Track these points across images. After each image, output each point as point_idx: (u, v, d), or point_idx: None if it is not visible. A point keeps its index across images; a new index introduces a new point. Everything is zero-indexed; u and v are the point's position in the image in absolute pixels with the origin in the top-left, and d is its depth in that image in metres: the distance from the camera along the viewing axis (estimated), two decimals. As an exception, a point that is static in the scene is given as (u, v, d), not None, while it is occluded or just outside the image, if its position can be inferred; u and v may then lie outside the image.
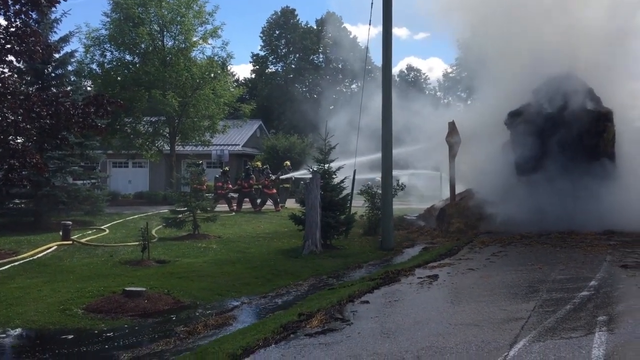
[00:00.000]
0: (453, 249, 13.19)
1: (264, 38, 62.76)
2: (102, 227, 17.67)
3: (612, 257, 11.17)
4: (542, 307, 7.36)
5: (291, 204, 24.04)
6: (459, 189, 18.84)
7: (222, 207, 23.16)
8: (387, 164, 14.97)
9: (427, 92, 62.87)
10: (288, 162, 27.15)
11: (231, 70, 55.38)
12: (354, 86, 58.21)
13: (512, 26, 19.94)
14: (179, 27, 27.41)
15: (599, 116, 16.25)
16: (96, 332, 7.44)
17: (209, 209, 16.99)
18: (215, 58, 28.70)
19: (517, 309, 7.32)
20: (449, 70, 64.20)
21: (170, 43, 28.08)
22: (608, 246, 12.70)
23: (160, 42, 27.81)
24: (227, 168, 27.40)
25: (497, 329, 6.44)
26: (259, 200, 24.26)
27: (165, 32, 27.76)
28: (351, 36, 62.58)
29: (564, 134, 15.82)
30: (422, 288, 8.94)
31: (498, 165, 18.00)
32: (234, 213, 22.79)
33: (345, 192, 15.73)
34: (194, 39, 28.21)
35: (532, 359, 5.38)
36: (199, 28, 28.33)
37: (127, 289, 8.82)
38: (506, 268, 10.59)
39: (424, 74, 69.36)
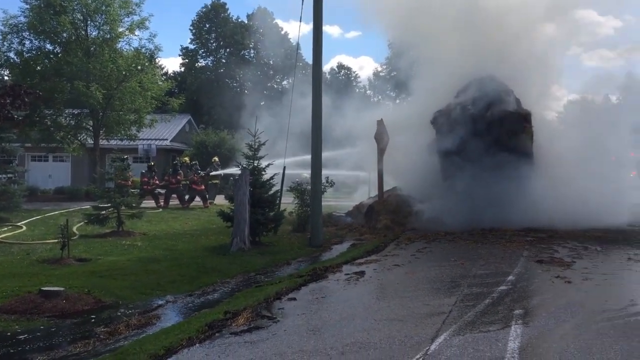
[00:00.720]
0: (380, 246, 13.41)
1: (193, 31, 61.61)
2: (19, 223, 16.81)
3: (528, 253, 11.72)
4: (463, 301, 7.61)
5: (220, 200, 23.75)
6: (388, 187, 19.19)
7: (149, 203, 22.58)
8: (316, 161, 15.02)
9: (357, 90, 63.70)
10: (216, 158, 26.80)
11: (159, 63, 53.97)
12: (285, 82, 58.11)
13: (440, 28, 20.55)
14: (103, 16, 26.38)
15: (518, 117, 16.96)
16: (9, 334, 7.06)
17: (134, 205, 16.49)
18: (143, 50, 27.88)
19: (440, 304, 7.52)
20: (380, 69, 65.26)
21: (94, 33, 27.03)
22: (525, 242, 13.31)
23: (83, 32, 26.72)
24: (152, 163, 26.72)
25: (420, 324, 6.59)
26: (187, 197, 23.82)
27: (89, 22, 26.68)
28: (282, 32, 62.50)
29: (486, 133, 16.40)
30: (349, 284, 9.03)
31: (424, 163, 18.48)
32: (161, 209, 22.26)
33: (274, 189, 15.67)
34: (120, 29, 27.28)
35: (451, 353, 5.54)
36: (125, 19, 27.41)
37: (44, 288, 8.40)
38: (430, 264, 10.89)
39: (354, 72, 70.13)
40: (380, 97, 61.03)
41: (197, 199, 23.88)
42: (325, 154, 16.20)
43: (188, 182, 23.74)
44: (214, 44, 61.87)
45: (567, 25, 21.14)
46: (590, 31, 20.28)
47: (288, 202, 18.19)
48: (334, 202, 23.76)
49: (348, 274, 9.82)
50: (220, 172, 25.69)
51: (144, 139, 33.42)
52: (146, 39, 31.03)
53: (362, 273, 9.90)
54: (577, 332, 6.20)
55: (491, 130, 16.46)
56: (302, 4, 15.77)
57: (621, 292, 8.18)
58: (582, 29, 20.27)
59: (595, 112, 19.33)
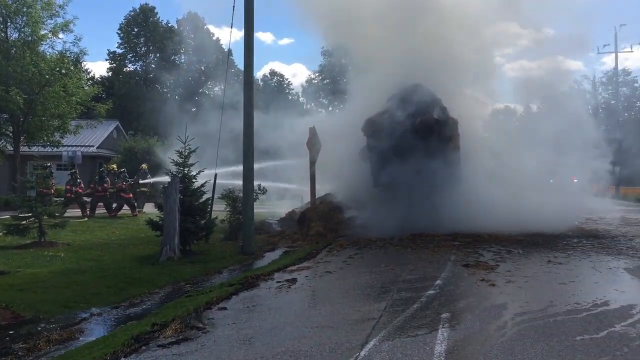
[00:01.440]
0: (312, 252, 13.45)
1: (121, 35, 60.06)
2: None
3: (455, 257, 12.05)
4: (392, 306, 7.73)
5: (150, 208, 23.17)
6: (321, 194, 19.28)
7: (74, 212, 21.73)
8: (248, 167, 14.91)
9: (290, 97, 63.87)
10: (145, 165, 26.13)
11: (85, 67, 52.19)
12: (217, 88, 57.48)
13: (372, 37, 20.94)
14: (24, 18, 25.27)
15: (445, 125, 17.46)
16: None
17: (57, 214, 15.83)
18: (67, 54, 26.83)
19: (370, 310, 7.61)
20: (313, 76, 65.75)
21: (14, 35, 25.84)
22: (453, 247, 13.69)
23: (3, 34, 25.49)
24: (74, 170, 25.69)
25: (351, 330, 6.64)
26: (114, 205, 23.09)
27: (8, 23, 25.49)
28: (214, 38, 61.89)
29: (414, 141, 16.78)
30: (280, 292, 9.00)
31: (356, 170, 18.72)
32: (86, 219, 21.47)
33: (205, 197, 15.43)
34: (43, 32, 26.18)
35: (381, 358, 5.61)
36: (48, 21, 26.33)
37: (-43, 304, 7.93)
38: (361, 270, 11.00)
39: (286, 79, 70.33)
40: (313, 104, 61.43)
41: (125, 207, 23.21)
42: (259, 165, 16.13)
43: (115, 190, 23.03)
44: (143, 49, 60.53)
45: (492, 37, 22.03)
46: (512, 43, 21.37)
47: (220, 210, 17.96)
48: (266, 210, 23.64)
49: (280, 282, 9.79)
50: (150, 180, 25.06)
51: (68, 146, 32.19)
52: (71, 42, 29.86)
53: (293, 280, 9.89)
54: (500, 333, 6.42)
55: (419, 138, 16.85)
56: (233, 10, 15.66)
57: (541, 293, 8.52)
58: (505, 40, 21.03)
59: (518, 120, 20.23)
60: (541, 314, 7.24)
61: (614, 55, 50.86)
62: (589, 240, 15.05)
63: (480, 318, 7.06)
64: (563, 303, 7.79)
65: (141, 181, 24.48)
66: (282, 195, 25.14)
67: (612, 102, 55.06)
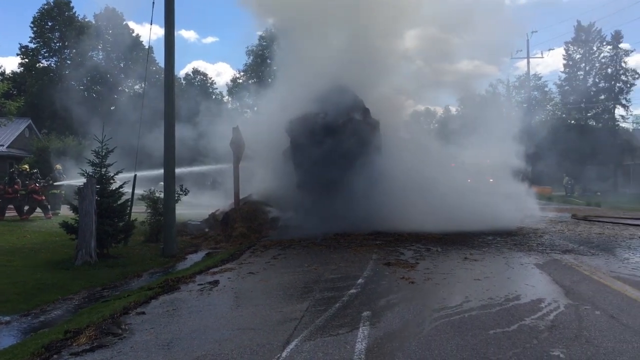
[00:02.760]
0: (235, 254, 13.32)
1: (34, 29, 57.17)
2: None
3: (377, 256, 12.27)
4: (314, 306, 7.76)
5: (66, 211, 22.19)
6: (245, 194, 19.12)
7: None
8: (169, 168, 14.58)
9: (214, 96, 62.99)
10: (59, 166, 25.01)
11: (-6, 62, 49.44)
12: (137, 87, 55.83)
13: (297, 38, 21.00)
14: None
15: (368, 126, 17.76)
16: None
17: (-38, 218, 14.89)
18: (-27, 47, 25.27)
19: (292, 310, 7.60)
20: (238, 75, 65.11)
21: None
22: (375, 246, 13.94)
23: None
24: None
25: (272, 331, 6.61)
26: (26, 207, 21.95)
27: None
28: (134, 34, 60.08)
29: (337, 141, 16.97)
30: (202, 295, 8.84)
31: (280, 170, 18.71)
32: (-5, 222, 20.30)
33: (124, 198, 14.94)
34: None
35: (302, 358, 5.62)
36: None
37: None
38: (284, 270, 10.99)
39: (210, 78, 69.29)
40: (238, 104, 60.86)
41: (38, 209, 22.12)
42: (182, 170, 15.77)
43: (27, 191, 21.89)
44: (58, 44, 57.87)
45: (414, 41, 22.61)
46: (433, 47, 22.09)
47: (141, 212, 17.47)
48: (189, 211, 23.19)
49: (201, 284, 9.62)
50: (65, 181, 24.00)
51: (-25, 145, 30.32)
52: (-23, 35, 28.16)
53: (216, 282, 9.75)
54: (419, 329, 6.58)
55: (342, 138, 17.06)
56: (153, 6, 15.27)
57: (458, 290, 8.81)
58: (427, 44, 21.64)
59: (438, 122, 20.85)
60: (457, 309, 7.49)
61: (526, 60, 53.57)
62: (502, 237, 15.73)
63: (400, 315, 7.22)
64: (478, 298, 8.09)
65: (56, 183, 23.40)
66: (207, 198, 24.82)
67: (525, 105, 57.81)
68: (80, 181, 18.04)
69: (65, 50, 57.85)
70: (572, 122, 59.12)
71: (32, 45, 57.44)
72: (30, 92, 50.20)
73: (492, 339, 6.16)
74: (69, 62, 57.33)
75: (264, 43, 55.55)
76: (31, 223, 20.39)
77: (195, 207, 23.61)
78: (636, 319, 6.93)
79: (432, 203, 17.09)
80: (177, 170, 15.16)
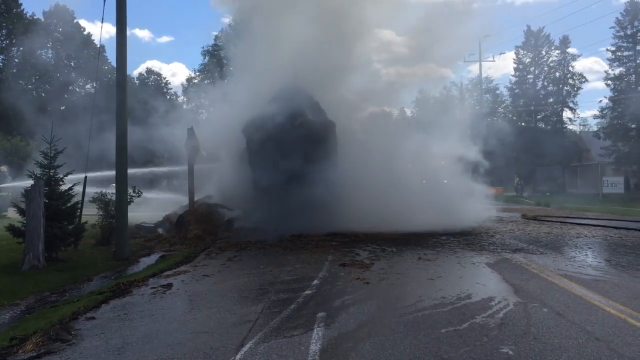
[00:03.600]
0: (190, 256, 13.17)
1: (-21, 25, 55.11)
2: None
3: (333, 257, 12.32)
4: (269, 308, 7.73)
5: (12, 213, 21.44)
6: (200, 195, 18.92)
7: None
8: (121, 169, 14.27)
9: (168, 97, 62.06)
10: (4, 167, 24.21)
11: (-64, 59, 47.57)
12: (88, 86, 54.51)
13: (255, 37, 20.91)
14: None
15: (323, 127, 17.82)
16: None
17: None
18: None
19: (247, 312, 7.56)
20: (193, 75, 64.29)
21: None
22: (331, 247, 14.00)
23: None
24: None
25: (226, 334, 6.56)
26: (-30, 211, 21.16)
27: None
28: (85, 33, 58.60)
29: (293, 143, 16.97)
30: (154, 298, 8.69)
31: (237, 172, 18.58)
32: (-64, 226, 19.45)
33: (74, 200, 14.55)
34: None
35: (256, 361, 5.60)
36: None
37: None
38: (240, 272, 10.92)
39: (164, 78, 68.19)
40: (193, 104, 60.08)
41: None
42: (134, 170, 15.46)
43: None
44: (5, 42, 55.92)
45: (370, 43, 22.79)
46: (389, 49, 22.36)
47: (92, 214, 17.04)
48: (142, 213, 22.77)
49: (154, 288, 9.47)
50: (10, 183, 23.24)
51: None
52: None
53: (169, 286, 9.61)
54: (373, 329, 6.64)
55: (297, 140, 17.06)
56: (104, 3, 14.93)
57: (411, 289, 8.92)
58: (382, 47, 21.88)
59: (393, 123, 21.12)
60: (411, 309, 7.59)
61: (478, 64, 54.75)
62: (455, 237, 16.02)
63: (354, 316, 7.26)
64: (431, 298, 8.21)
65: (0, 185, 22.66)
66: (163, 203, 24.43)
67: (477, 107, 59.06)
68: (28, 183, 17.52)
69: (13, 48, 55.96)
70: (522, 124, 60.69)
71: (-23, 43, 55.43)
72: (-25, 90, 48.35)
73: (444, 338, 6.26)
74: (16, 60, 55.48)
75: (220, 43, 55.08)
76: (-24, 226, 19.63)
77: (149, 209, 23.22)
78: (582, 316, 7.17)
79: (388, 204, 17.28)
80: (130, 171, 14.87)
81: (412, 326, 6.74)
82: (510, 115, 64.07)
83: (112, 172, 14.62)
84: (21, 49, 54.50)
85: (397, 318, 7.13)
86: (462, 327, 6.69)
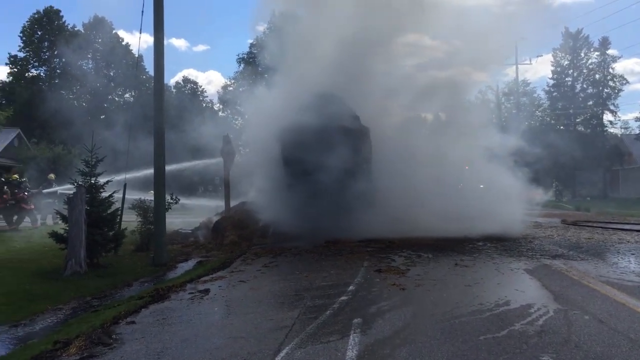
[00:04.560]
0: (226, 262, 13.29)
1: (24, 39, 56.99)
2: None
3: (369, 263, 12.28)
4: (305, 314, 7.76)
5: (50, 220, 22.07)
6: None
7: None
8: (159, 176, 14.53)
9: (204, 104, 62.94)
10: (52, 175, 24.91)
11: (-17, 71, 49.28)
12: (127, 95, 55.73)
13: (290, 44, 21.06)
14: None
15: (357, 133, 17.79)
16: None
17: (-50, 228, 14.77)
18: (-39, 56, 25.13)
19: (283, 318, 7.60)
20: (228, 83, 65.10)
21: None
22: (366, 253, 13.96)
23: None
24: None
25: (263, 339, 6.60)
26: (15, 217, 21.80)
27: None
28: (124, 43, 60.00)
29: (327, 149, 16.96)
30: (192, 304, 8.82)
31: (272, 178, 18.71)
32: (-17, 232, 20.15)
33: (114, 207, 14.88)
34: None
35: (293, 366, 5.62)
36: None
37: None
38: (275, 278, 10.99)
39: (200, 86, 69.23)
40: (228, 111, 60.79)
41: (27, 219, 21.99)
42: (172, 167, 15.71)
43: (15, 201, 21.75)
44: (47, 53, 57.68)
45: (403, 48, 22.66)
46: (423, 54, 22.25)
47: (131, 220, 17.39)
48: (180, 219, 23.14)
49: (192, 293, 9.60)
50: (56, 188, 23.88)
51: (-37, 155, 30.12)
52: (-34, 45, 28.01)
53: (206, 291, 9.72)
54: (409, 336, 6.60)
55: (332, 146, 17.05)
56: (142, 15, 15.27)
57: (448, 296, 8.84)
58: (416, 51, 21.79)
59: (427, 128, 20.98)
60: (448, 315, 7.51)
61: (515, 67, 53.96)
62: (493, 243, 15.80)
63: (391, 322, 7.23)
64: (468, 304, 8.12)
65: (45, 191, 23.30)
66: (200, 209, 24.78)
67: (514, 111, 58.20)
68: (67, 187, 17.96)
69: (55, 60, 57.67)
70: (561, 127, 59.56)
71: (21, 55, 57.29)
72: (19, 101, 49.94)
73: (483, 345, 6.18)
74: (58, 71, 57.14)
75: (255, 51, 55.65)
76: (20, 233, 20.26)
77: (186, 215, 23.57)
78: (625, 323, 6.99)
79: (423, 209, 17.14)
80: (168, 168, 15.08)
81: (450, 333, 6.68)
82: (549, 119, 62.92)
83: (151, 171, 14.83)
84: (63, 60, 56.08)
85: (434, 325, 7.07)
86: (501, 334, 6.60)
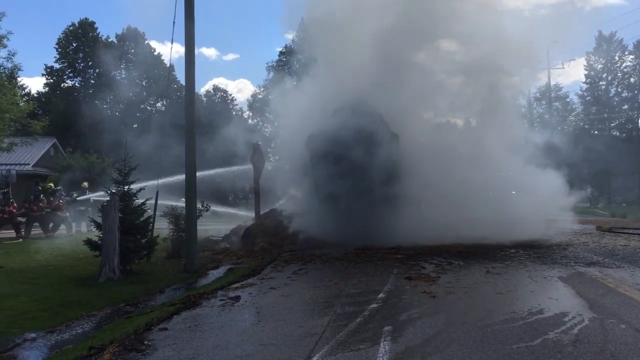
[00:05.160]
0: (257, 269, 13.36)
1: (59, 50, 58.43)
2: None
3: (398, 270, 12.21)
4: (335, 321, 7.75)
5: (84, 227, 22.52)
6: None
7: (8, 233, 20.87)
8: (190, 183, 14.72)
9: (234, 112, 63.53)
10: (86, 183, 25.44)
11: (20, 83, 50.62)
12: (159, 104, 56.62)
13: (318, 52, 21.14)
14: (-43, 34, 24.26)
15: (387, 139, 17.73)
16: None
17: (-11, 236, 15.19)
18: (0, 69, 25.83)
19: (313, 325, 7.61)
20: (258, 91, 65.64)
21: (-55, 51, 24.76)
22: (396, 260, 13.87)
23: None
24: (7, 189, 24.72)
25: (294, 347, 6.62)
26: (50, 225, 22.31)
27: (-60, 40, 24.42)
28: (155, 53, 61.03)
29: (356, 156, 16.96)
30: (223, 310, 8.89)
31: (301, 185, 18.78)
32: (21, 239, 20.66)
33: (147, 215, 15.11)
34: (-27, 46, 25.15)
35: (323, 374, 5.62)
36: (-20, 36, 25.31)
37: None
38: (305, 285, 11.00)
39: (230, 94, 69.95)
40: (258, 119, 61.29)
41: (62, 227, 22.49)
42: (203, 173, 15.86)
43: (51, 209, 22.27)
44: (82, 64, 59.04)
45: (433, 54, 22.50)
46: (452, 59, 22.02)
47: (163, 228, 17.63)
48: (211, 226, 23.37)
49: (223, 300, 9.68)
50: (89, 196, 24.37)
51: (2, 164, 30.98)
52: (4, 58, 28.78)
53: (237, 298, 9.80)
54: (440, 344, 6.54)
55: (360, 153, 17.04)
56: (174, 26, 15.51)
57: (480, 304, 8.73)
58: (445, 57, 21.61)
59: (459, 134, 20.79)
60: (480, 323, 7.42)
61: (547, 71, 53.13)
62: (525, 250, 15.54)
63: (421, 330, 7.18)
64: (500, 312, 8.01)
65: (78, 198, 23.80)
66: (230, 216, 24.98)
67: (546, 116, 57.33)
68: (99, 194, 18.28)
69: (89, 70, 58.98)
70: (595, 132, 58.42)
71: (57, 66, 58.72)
72: (55, 111, 51.16)
73: (516, 354, 6.09)
74: (92, 81, 58.40)
75: (284, 59, 56.04)
76: (56, 240, 20.71)
77: (217, 222, 23.78)
78: (663, 333, 6.81)
79: (453, 216, 16.98)
80: (199, 174, 15.24)
81: (482, 341, 6.59)
82: (582, 124, 61.79)
83: (182, 177, 15.01)
84: (97, 70, 57.30)
85: (465, 333, 6.99)
86: (534, 343, 6.49)
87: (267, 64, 61.64)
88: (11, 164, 33.32)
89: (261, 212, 19.42)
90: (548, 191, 20.08)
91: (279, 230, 17.91)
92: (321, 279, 11.55)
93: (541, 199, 19.87)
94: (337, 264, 13.66)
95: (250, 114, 64.91)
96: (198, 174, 15.29)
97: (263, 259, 15.45)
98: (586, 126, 60.61)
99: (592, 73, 59.30)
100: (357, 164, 16.87)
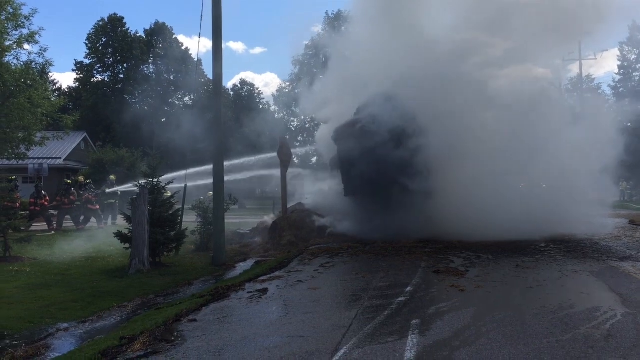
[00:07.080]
0: (284, 262, 13.40)
1: (89, 45, 59.36)
2: None
3: (426, 264, 12.12)
4: (363, 314, 7.74)
5: (121, 220, 22.85)
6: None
7: (40, 226, 21.30)
8: (218, 178, 14.84)
9: (260, 106, 63.74)
10: (113, 176, 25.81)
11: (52, 78, 51.51)
12: (187, 98, 57.11)
13: (344, 43, 21.03)
14: (-12, 30, 24.71)
15: (415, 134, 17.53)
16: None
17: (22, 228, 15.50)
18: (32, 65, 26.28)
19: (341, 318, 7.60)
20: (284, 85, 65.70)
21: (-23, 47, 25.23)
22: (424, 253, 13.77)
23: (-34, 45, 24.91)
24: (39, 183, 25.23)
25: (321, 339, 6.62)
26: (82, 218, 22.72)
27: (-28, 35, 24.92)
28: (183, 47, 61.54)
29: (383, 149, 16.84)
30: (251, 303, 8.94)
31: (328, 179, 18.77)
32: (53, 232, 21.09)
33: (175, 208, 15.29)
34: (7, 43, 25.60)
35: (351, 366, 5.61)
36: (14, 32, 25.76)
37: None
38: (333, 278, 11.00)
39: (257, 88, 70.23)
40: (284, 113, 61.34)
41: (93, 219, 22.88)
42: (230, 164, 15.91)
43: (82, 202, 22.67)
44: (111, 59, 59.87)
45: (462, 46, 22.18)
46: (482, 52, 21.63)
47: (191, 221, 17.82)
48: (238, 220, 23.53)
49: (251, 292, 9.73)
50: (117, 189, 24.70)
51: (34, 158, 31.59)
52: (36, 54, 29.23)
53: (265, 290, 9.84)
54: (469, 338, 6.47)
55: (388, 148, 16.90)
56: (201, 20, 15.63)
57: (509, 298, 8.62)
58: (475, 50, 21.23)
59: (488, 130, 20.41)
60: (509, 317, 7.33)
61: (578, 63, 52.06)
62: (556, 244, 15.29)
63: (450, 324, 7.12)
64: (530, 306, 7.90)
65: (107, 191, 24.18)
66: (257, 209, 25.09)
67: (578, 109, 56.21)
68: (127, 186, 18.54)
69: (118, 65, 59.75)
70: (628, 124, 57.14)
71: (87, 61, 59.67)
72: (85, 106, 51.99)
73: (546, 348, 6.00)
74: (121, 76, 59.17)
75: (310, 53, 55.96)
76: (86, 233, 21.08)
77: (245, 215, 23.93)
78: (700, 329, 6.63)
79: (483, 210, 16.74)
80: (227, 164, 15.28)
81: (512, 336, 6.51)
82: (615, 115, 60.47)
83: (210, 166, 15.12)
84: (125, 65, 58.03)
85: (494, 327, 6.90)
86: (565, 337, 6.39)
87: (294, 57, 61.56)
88: (43, 158, 33.99)
89: (288, 206, 19.47)
90: (580, 185, 19.63)
91: (305, 223, 17.93)
92: (348, 272, 11.54)
93: (573, 193, 19.48)
94: (364, 258, 13.63)
95: (276, 108, 65.07)
96: (226, 163, 15.37)
97: (290, 252, 15.49)
98: (619, 118, 59.32)
99: (625, 64, 58.00)
100: (384, 158, 16.75)
